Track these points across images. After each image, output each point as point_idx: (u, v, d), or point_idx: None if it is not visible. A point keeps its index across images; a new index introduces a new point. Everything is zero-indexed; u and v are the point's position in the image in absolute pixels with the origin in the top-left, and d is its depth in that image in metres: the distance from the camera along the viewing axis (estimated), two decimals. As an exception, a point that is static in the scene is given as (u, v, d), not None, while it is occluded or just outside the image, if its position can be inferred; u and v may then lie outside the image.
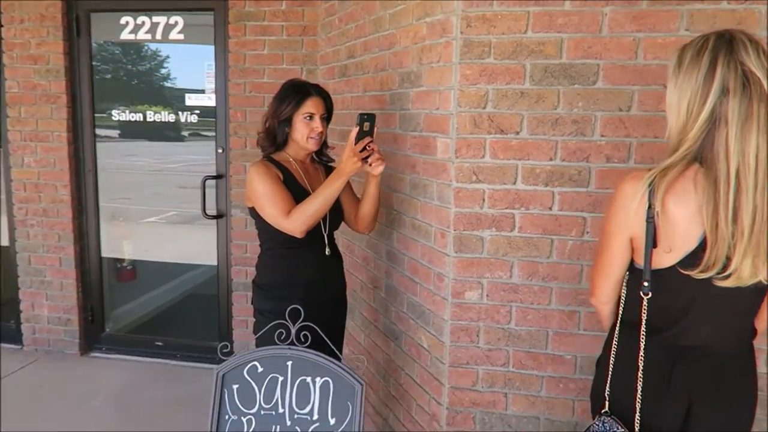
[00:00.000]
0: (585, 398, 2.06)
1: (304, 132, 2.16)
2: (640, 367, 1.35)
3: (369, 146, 2.01)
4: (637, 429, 1.35)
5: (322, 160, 2.36)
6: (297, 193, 2.13)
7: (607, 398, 1.47)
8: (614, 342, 1.46)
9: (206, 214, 3.63)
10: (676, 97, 1.30)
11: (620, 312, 1.46)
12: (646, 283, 1.33)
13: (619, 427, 1.41)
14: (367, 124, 1.98)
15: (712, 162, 1.24)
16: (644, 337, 1.35)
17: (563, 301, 2.03)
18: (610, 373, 1.47)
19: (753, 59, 1.22)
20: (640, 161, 1.91)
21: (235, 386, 1.62)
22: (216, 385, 1.62)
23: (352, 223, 2.32)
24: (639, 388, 1.35)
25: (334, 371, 1.58)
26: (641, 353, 1.35)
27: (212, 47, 3.54)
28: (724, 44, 1.25)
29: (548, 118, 1.94)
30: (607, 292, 1.46)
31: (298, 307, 2.14)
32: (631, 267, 1.41)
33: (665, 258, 1.30)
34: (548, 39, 1.91)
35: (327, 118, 2.22)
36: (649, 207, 1.28)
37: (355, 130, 1.98)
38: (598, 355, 1.56)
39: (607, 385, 1.47)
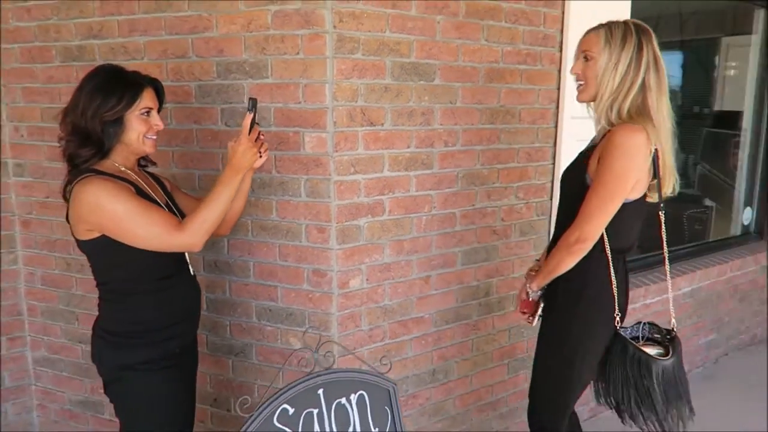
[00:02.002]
0: (439, 347, 2.46)
1: (141, 131, 1.74)
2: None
3: (260, 136, 1.81)
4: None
5: (141, 166, 1.93)
6: None
7: (618, 313, 1.82)
8: (611, 269, 1.80)
9: None
10: (612, 63, 1.72)
11: (608, 244, 1.79)
12: (662, 205, 1.80)
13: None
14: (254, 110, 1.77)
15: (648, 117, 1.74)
16: (666, 252, 1.84)
17: (421, 269, 2.33)
18: (615, 294, 1.80)
19: (656, 44, 1.76)
20: (464, 144, 2.36)
21: (267, 442, 1.34)
22: (246, 450, 1.30)
23: None
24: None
25: (366, 381, 1.48)
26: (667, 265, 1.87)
27: None
28: (645, 31, 1.74)
29: (405, 111, 2.17)
30: (600, 232, 1.76)
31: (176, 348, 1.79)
32: None
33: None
34: (402, 39, 2.12)
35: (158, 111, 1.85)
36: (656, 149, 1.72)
37: (249, 116, 1.72)
38: (576, 288, 1.84)
39: (616, 304, 1.81)
